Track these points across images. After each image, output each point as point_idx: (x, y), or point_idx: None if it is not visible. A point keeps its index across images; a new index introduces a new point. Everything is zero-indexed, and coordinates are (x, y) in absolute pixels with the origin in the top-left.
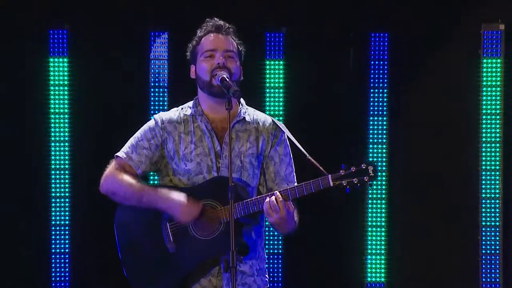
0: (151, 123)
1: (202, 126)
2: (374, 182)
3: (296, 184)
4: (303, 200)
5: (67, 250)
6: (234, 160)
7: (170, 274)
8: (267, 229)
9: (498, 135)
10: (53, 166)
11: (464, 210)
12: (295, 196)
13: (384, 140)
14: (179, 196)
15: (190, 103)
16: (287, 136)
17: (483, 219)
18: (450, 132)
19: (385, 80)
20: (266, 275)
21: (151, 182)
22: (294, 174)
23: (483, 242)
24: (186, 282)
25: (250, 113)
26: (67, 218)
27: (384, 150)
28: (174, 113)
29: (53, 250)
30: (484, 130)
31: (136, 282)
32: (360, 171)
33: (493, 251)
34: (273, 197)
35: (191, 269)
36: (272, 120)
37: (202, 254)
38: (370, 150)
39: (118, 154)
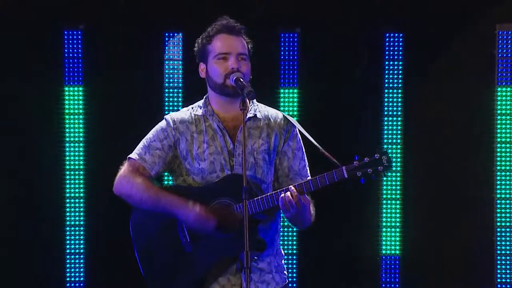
0: (162, 123)
1: (214, 125)
2: (389, 178)
3: (310, 177)
4: (318, 198)
5: (82, 251)
6: (247, 157)
7: (187, 274)
8: (281, 228)
9: None
10: (67, 167)
11: (479, 210)
12: (309, 189)
13: (399, 141)
14: (195, 206)
15: (200, 103)
16: (299, 130)
17: (498, 219)
18: (465, 132)
19: (400, 81)
20: (285, 272)
21: (165, 183)
22: (308, 168)
23: (498, 242)
24: (204, 281)
25: (261, 109)
26: (82, 218)
27: (398, 151)
28: (185, 113)
29: (68, 251)
30: (498, 130)
31: (153, 283)
32: (374, 161)
33: (508, 251)
34: (288, 192)
35: (208, 268)
36: (283, 115)
37: (220, 252)
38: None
39: (130, 155)
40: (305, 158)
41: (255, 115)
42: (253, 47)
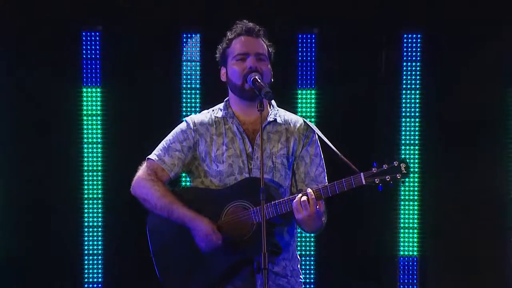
0: (182, 125)
1: (234, 128)
2: (407, 180)
3: (327, 183)
4: (335, 201)
5: (100, 251)
6: (266, 161)
7: (203, 275)
8: (299, 230)
9: None
10: (85, 168)
11: (496, 211)
12: (327, 194)
13: (416, 142)
14: (205, 225)
15: (221, 105)
16: (319, 136)
17: None
18: (482, 133)
19: (418, 81)
20: (301, 276)
21: (183, 184)
22: (325, 175)
23: None
24: (219, 283)
25: (281, 114)
26: (100, 219)
27: (416, 152)
28: (205, 116)
29: (86, 251)
30: None
31: (169, 284)
32: (392, 168)
33: None
34: (305, 196)
35: (223, 270)
36: (304, 121)
37: (235, 255)
38: (402, 152)
39: (150, 156)
40: (323, 165)
41: (275, 119)
42: (274, 50)
